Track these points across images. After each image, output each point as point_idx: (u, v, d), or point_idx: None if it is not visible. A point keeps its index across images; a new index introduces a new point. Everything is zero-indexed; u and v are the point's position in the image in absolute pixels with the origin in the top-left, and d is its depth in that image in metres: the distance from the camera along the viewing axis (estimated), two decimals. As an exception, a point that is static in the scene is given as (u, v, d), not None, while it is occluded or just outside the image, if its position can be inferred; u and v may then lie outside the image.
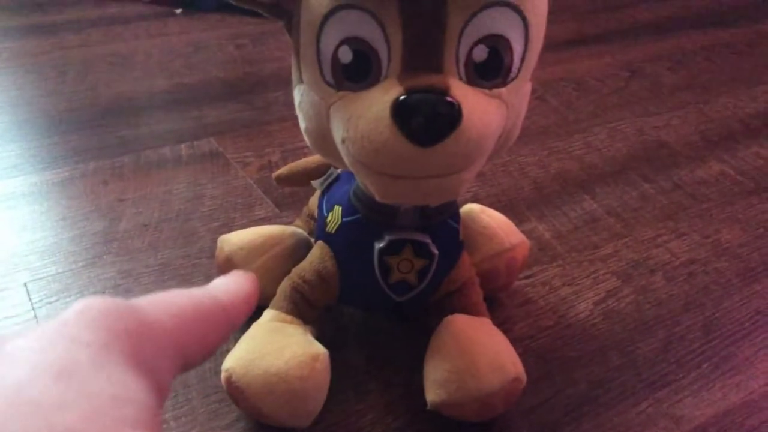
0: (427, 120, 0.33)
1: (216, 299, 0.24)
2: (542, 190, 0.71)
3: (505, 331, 0.48)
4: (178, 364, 0.21)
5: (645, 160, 0.78)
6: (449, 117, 0.34)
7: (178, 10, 1.16)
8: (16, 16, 1.11)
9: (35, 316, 0.52)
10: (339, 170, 0.51)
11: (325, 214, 0.48)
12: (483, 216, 0.53)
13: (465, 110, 0.34)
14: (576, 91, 0.94)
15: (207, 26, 1.12)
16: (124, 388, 0.18)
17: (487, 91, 0.36)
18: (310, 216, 0.56)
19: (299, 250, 0.52)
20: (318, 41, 0.36)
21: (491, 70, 0.36)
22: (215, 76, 0.94)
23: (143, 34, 1.07)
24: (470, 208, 0.54)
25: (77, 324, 0.19)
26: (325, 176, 0.51)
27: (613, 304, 0.56)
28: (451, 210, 0.46)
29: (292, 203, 0.67)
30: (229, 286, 0.26)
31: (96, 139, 0.77)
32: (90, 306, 0.20)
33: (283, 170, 0.58)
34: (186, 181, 0.70)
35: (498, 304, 0.55)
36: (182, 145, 0.77)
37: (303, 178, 0.56)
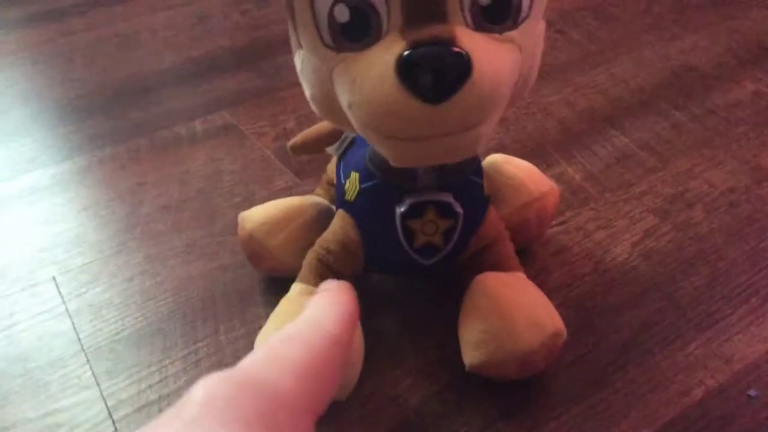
0: (434, 74, 0.31)
1: (325, 333, 0.23)
2: (569, 130, 0.68)
3: (541, 282, 0.46)
4: (314, 416, 0.21)
5: (674, 87, 0.74)
6: (458, 68, 0.31)
7: (179, -19, 1.13)
8: (16, 6, 1.09)
9: (66, 310, 0.52)
10: (353, 134, 0.49)
11: (343, 182, 0.46)
12: (508, 166, 0.51)
13: (475, 59, 0.31)
14: (596, 20, 0.90)
15: (210, -6, 1.09)
16: None
17: (497, 35, 0.34)
18: (330, 183, 0.55)
19: (321, 219, 0.50)
20: (312, 3, 0.34)
21: (500, 13, 0.34)
22: (222, 46, 0.92)
23: (146, 11, 1.05)
24: (493, 159, 0.52)
25: (208, 420, 0.18)
26: (340, 141, 0.50)
27: (651, 244, 0.54)
28: (472, 165, 0.44)
29: (311, 171, 0.65)
30: (330, 308, 0.24)
31: (110, 123, 0.76)
32: (213, 394, 0.18)
33: (297, 139, 0.57)
34: (203, 158, 0.69)
35: (531, 254, 0.53)
36: (196, 122, 0.75)
37: (318, 145, 0.54)
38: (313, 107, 0.40)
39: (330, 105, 0.37)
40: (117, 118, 0.78)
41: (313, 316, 0.24)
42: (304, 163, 0.66)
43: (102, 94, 0.83)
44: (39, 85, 0.86)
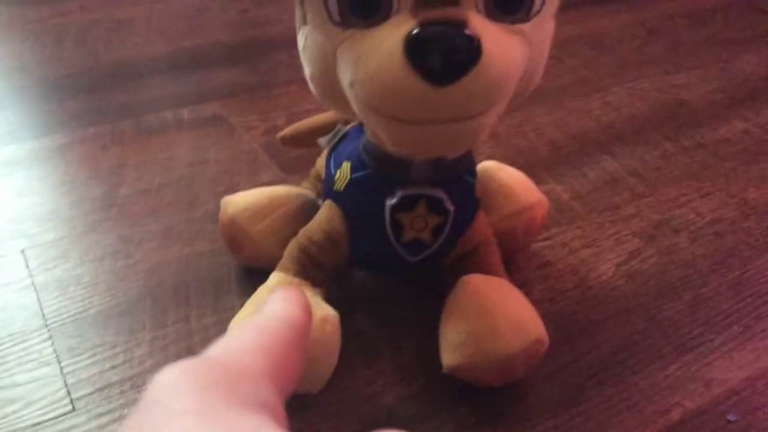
0: (443, 55, 0.31)
1: (277, 318, 0.23)
2: (559, 151, 0.68)
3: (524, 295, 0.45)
4: (278, 391, 0.21)
5: (666, 119, 0.75)
6: (468, 52, 0.31)
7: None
8: (12, -17, 1.07)
9: (32, 284, 0.50)
10: (347, 127, 0.48)
11: (333, 172, 0.45)
12: (500, 173, 0.50)
13: (485, 45, 0.31)
14: (593, 50, 0.91)
15: (209, -9, 1.08)
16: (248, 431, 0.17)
17: (508, 26, 0.33)
18: (317, 178, 0.54)
19: (306, 211, 0.49)
20: (322, -24, 0.33)
21: (513, 4, 0.33)
22: (217, 40, 0.91)
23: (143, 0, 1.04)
24: (487, 166, 0.51)
25: (167, 396, 0.18)
26: (332, 134, 0.49)
27: (636, 266, 0.53)
28: (467, 164, 0.43)
29: (298, 167, 0.64)
30: (280, 300, 0.25)
31: (95, 104, 0.75)
32: (168, 376, 0.19)
33: (288, 130, 0.56)
34: (188, 146, 0.68)
35: (515, 266, 0.52)
36: (184, 110, 0.74)
37: (309, 138, 0.53)
38: (312, 87, 0.39)
39: (330, 84, 0.37)
40: (103, 99, 0.76)
41: (264, 308, 0.25)
42: (290, 159, 0.65)
43: (89, 76, 0.81)
44: (26, 62, 0.84)
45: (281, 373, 0.21)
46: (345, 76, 0.34)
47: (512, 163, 0.65)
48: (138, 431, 0.17)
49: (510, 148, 0.68)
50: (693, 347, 0.46)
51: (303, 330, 0.24)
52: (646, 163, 0.66)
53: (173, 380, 0.18)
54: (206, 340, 0.46)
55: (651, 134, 0.71)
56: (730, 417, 0.41)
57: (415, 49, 0.31)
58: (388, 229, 0.42)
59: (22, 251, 0.53)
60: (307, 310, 0.25)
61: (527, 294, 0.49)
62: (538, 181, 0.62)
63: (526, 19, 0.34)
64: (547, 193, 0.61)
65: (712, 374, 0.44)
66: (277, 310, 0.24)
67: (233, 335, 0.22)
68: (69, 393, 0.42)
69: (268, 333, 0.22)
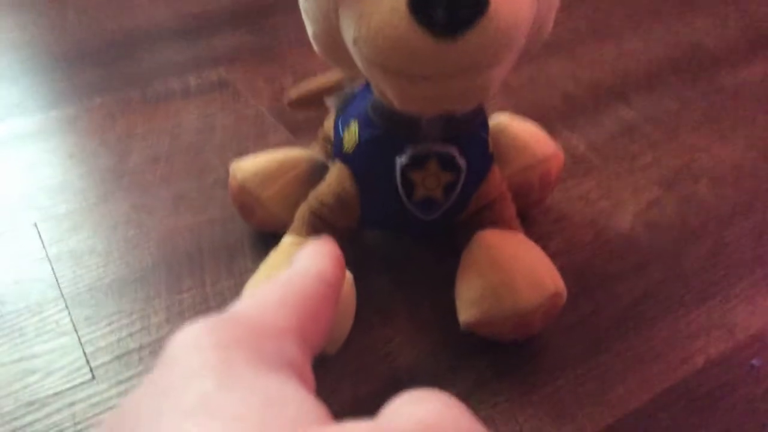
0: (448, 7, 0.30)
1: (308, 272, 0.22)
2: (574, 101, 0.67)
3: (540, 248, 0.45)
4: (305, 348, 0.20)
5: (682, 64, 0.73)
6: (474, 3, 0.29)
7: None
8: (11, -45, 1.06)
9: (46, 256, 0.50)
10: (354, 86, 0.47)
11: (342, 133, 0.44)
12: (513, 126, 0.49)
13: (492, -6, 0.30)
14: (604, -4, 0.88)
15: (209, -46, 1.06)
16: (270, 392, 0.16)
17: (514, -26, 0.32)
18: (326, 139, 0.53)
19: (316, 173, 0.48)
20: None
21: None
22: (220, 3, 0.90)
23: (144, -34, 1.02)
24: (499, 119, 0.50)
25: (186, 352, 0.17)
26: (339, 94, 0.48)
27: (655, 215, 0.52)
28: (479, 119, 0.42)
29: (306, 129, 0.63)
30: (312, 253, 0.24)
31: (100, 74, 0.74)
32: (190, 332, 0.18)
33: (294, 91, 0.55)
34: (196, 113, 0.67)
35: (531, 220, 0.52)
36: (190, 76, 0.73)
37: (315, 99, 0.52)
38: (315, 47, 0.38)
39: (333, 43, 0.36)
40: (108, 69, 0.75)
41: (295, 263, 0.24)
42: (299, 121, 0.64)
43: (93, 46, 0.80)
44: (29, 34, 0.83)
45: (309, 329, 0.20)
46: (348, 33, 0.33)
47: (525, 116, 0.64)
48: (156, 391, 0.16)
49: (522, 100, 0.67)
50: (715, 294, 0.45)
51: (334, 283, 0.23)
52: (664, 110, 0.65)
53: (193, 338, 0.18)
54: (222, 305, 0.46)
55: (668, 80, 0.69)
56: (755, 362, 0.40)
57: (418, 3, 0.30)
58: (400, 189, 0.41)
59: (35, 224, 0.53)
60: (340, 263, 0.24)
61: (544, 247, 0.49)
62: (552, 132, 0.61)
63: (534, -35, 0.32)
64: (562, 144, 0.60)
65: (735, 320, 0.43)
66: (306, 263, 0.23)
67: (259, 290, 0.21)
68: (88, 362, 0.43)
69: (295, 287, 0.21)
